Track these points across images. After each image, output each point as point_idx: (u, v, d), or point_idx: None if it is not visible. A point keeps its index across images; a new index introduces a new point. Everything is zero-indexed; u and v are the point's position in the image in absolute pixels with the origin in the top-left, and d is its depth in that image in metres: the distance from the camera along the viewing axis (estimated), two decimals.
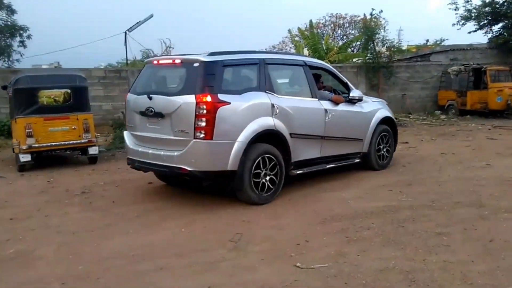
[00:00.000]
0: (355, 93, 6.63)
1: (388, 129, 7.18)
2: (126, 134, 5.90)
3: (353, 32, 27.74)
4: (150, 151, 5.34)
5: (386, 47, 15.76)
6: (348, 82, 6.80)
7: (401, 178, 6.54)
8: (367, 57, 15.81)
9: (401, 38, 34.29)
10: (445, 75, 16.38)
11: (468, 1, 18.12)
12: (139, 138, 5.60)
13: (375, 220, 4.61)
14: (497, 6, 17.74)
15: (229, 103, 4.96)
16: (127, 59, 17.16)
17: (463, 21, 18.36)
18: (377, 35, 15.57)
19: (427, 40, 30.25)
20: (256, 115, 5.22)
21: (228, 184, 5.32)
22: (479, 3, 17.98)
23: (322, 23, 25.88)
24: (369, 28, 15.51)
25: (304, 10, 45.46)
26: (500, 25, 18.21)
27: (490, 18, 18.11)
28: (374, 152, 6.91)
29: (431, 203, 5.19)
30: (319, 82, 6.69)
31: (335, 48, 18.77)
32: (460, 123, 13.87)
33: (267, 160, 5.30)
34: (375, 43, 15.60)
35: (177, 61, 5.42)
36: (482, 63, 16.43)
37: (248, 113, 5.15)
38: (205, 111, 4.80)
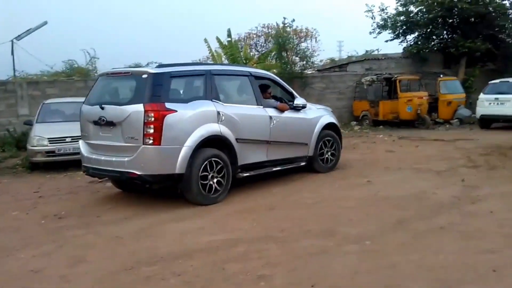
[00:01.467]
0: (299, 101, 7.08)
1: (332, 134, 7.65)
2: (81, 142, 6.21)
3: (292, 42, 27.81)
4: (102, 158, 5.73)
5: (299, 57, 15.37)
6: (293, 91, 7.30)
7: (269, 200, 5.87)
8: (281, 67, 15.33)
9: (342, 49, 34.77)
10: (359, 85, 16.24)
11: (383, 10, 18.25)
12: (93, 146, 5.95)
13: (197, 262, 3.85)
14: (410, 15, 17.96)
15: (176, 111, 5.36)
16: (14, 70, 15.57)
17: (378, 30, 18.43)
18: (290, 45, 15.14)
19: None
20: (203, 121, 5.63)
21: (177, 186, 5.63)
22: (394, 12, 18.14)
23: (254, 34, 25.51)
24: (281, 37, 15.06)
25: (238, 21, 45.25)
26: (414, 34, 18.44)
27: (404, 27, 18.30)
28: (317, 155, 7.34)
29: (280, 232, 4.53)
30: (266, 91, 7.07)
31: (254, 58, 18.25)
32: (370, 134, 13.64)
33: (214, 163, 5.68)
34: (288, 53, 15.16)
35: (128, 73, 5.99)
36: (396, 73, 16.51)
37: (194, 120, 5.56)
38: (153, 119, 5.20)
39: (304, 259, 3.82)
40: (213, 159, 5.67)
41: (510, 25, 17.36)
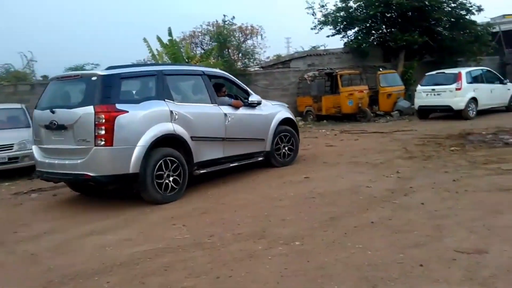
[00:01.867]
0: (253, 97, 7.21)
1: (289, 129, 7.77)
2: (34, 148, 6.16)
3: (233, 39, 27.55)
4: (56, 162, 5.71)
5: (242, 54, 15.19)
6: (248, 89, 7.45)
7: (202, 203, 5.63)
8: (222, 66, 15.08)
9: (290, 46, 34.82)
10: (302, 81, 16.32)
11: (323, 6, 18.44)
12: (46, 150, 5.91)
13: (115, 277, 3.56)
14: (350, 10, 18.25)
15: (127, 112, 5.38)
16: None
17: (320, 26, 18.60)
18: (231, 42, 14.93)
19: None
20: (155, 121, 5.66)
21: (132, 186, 5.63)
22: (334, 8, 18.38)
23: (200, 32, 25.08)
24: (221, 35, 14.81)
25: (183, 20, 44.19)
26: (355, 29, 18.77)
27: (345, 23, 18.57)
28: (274, 151, 7.48)
29: (209, 238, 4.31)
30: (221, 90, 7.19)
31: (197, 57, 17.84)
32: (314, 129, 13.71)
33: (169, 162, 5.70)
34: (229, 51, 14.95)
35: (78, 76, 6.03)
36: (337, 68, 16.73)
37: (147, 120, 5.58)
38: (103, 120, 5.21)
39: (230, 265, 3.62)
40: (168, 158, 5.71)
41: (445, 18, 18.05)
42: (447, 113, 13.61)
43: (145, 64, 6.21)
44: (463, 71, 13.23)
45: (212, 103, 6.58)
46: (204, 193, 6.16)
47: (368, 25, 18.36)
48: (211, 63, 16.87)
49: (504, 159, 7.10)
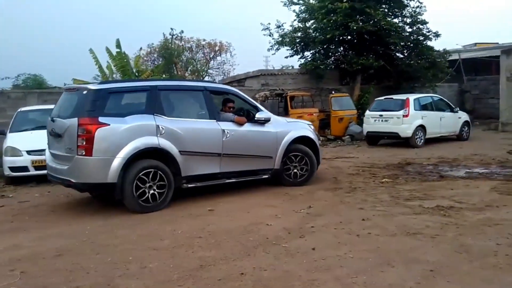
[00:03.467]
0: (261, 114, 7.08)
1: (302, 148, 7.51)
2: (46, 151, 6.62)
3: (202, 55, 27.02)
4: (55, 166, 6.20)
5: (190, 70, 14.58)
6: (258, 105, 7.43)
7: (62, 242, 4.86)
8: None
9: (268, 63, 34.17)
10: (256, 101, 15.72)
11: (279, 27, 18.07)
12: (52, 155, 6.39)
13: None
14: (308, 31, 17.91)
15: (108, 125, 5.67)
16: None
17: (277, 46, 18.17)
18: (179, 57, 14.32)
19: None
20: (138, 134, 5.86)
21: (113, 194, 5.83)
22: (290, 28, 18.03)
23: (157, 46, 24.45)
24: (168, 50, 14.18)
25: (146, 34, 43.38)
26: (312, 50, 18.41)
27: (302, 44, 18.22)
28: (283, 170, 7.34)
29: None
30: (227, 105, 7.25)
31: (148, 71, 17.14)
32: None
33: (151, 174, 5.88)
34: (177, 66, 14.32)
35: (75, 89, 6.42)
36: (292, 88, 16.29)
37: (129, 133, 5.80)
38: (85, 132, 5.58)
39: None
40: (150, 169, 5.89)
41: (402, 43, 17.90)
42: (396, 140, 13.22)
43: (139, 80, 6.88)
44: (411, 97, 12.89)
45: (210, 119, 6.60)
46: (81, 229, 5.39)
47: (325, 46, 18.04)
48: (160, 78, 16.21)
49: (429, 195, 6.61)
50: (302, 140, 7.58)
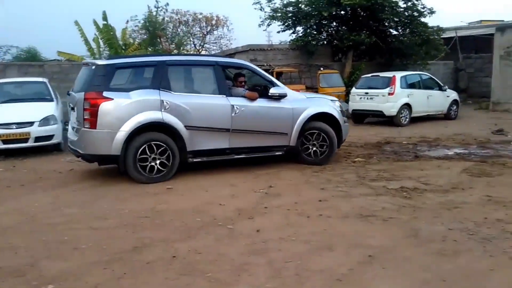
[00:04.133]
0: (276, 89, 6.88)
1: (322, 126, 7.22)
2: (70, 125, 6.76)
3: (199, 29, 26.50)
4: (71, 137, 6.50)
5: (175, 43, 14.23)
6: (274, 80, 7.21)
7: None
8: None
9: (271, 39, 33.55)
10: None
11: (270, 1, 17.57)
12: (71, 127, 6.61)
13: None
14: (299, 6, 17.41)
15: (112, 99, 5.87)
16: None
17: (268, 21, 17.71)
18: (163, 31, 13.95)
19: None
20: (142, 109, 6.01)
21: (118, 165, 6.09)
22: (281, 3, 17.52)
23: (163, 20, 24.01)
24: (152, 22, 13.79)
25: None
26: (304, 26, 17.94)
27: (294, 19, 17.75)
28: (300, 147, 7.15)
29: None
30: (238, 80, 7.15)
31: (135, 44, 16.79)
32: None
33: (154, 146, 6.07)
34: (161, 40, 13.97)
35: (87, 64, 6.70)
36: (282, 64, 15.98)
37: (132, 107, 5.96)
38: (89, 106, 5.82)
39: None
40: (153, 142, 6.05)
41: (395, 19, 17.41)
42: (381, 118, 12.96)
43: (147, 55, 7.23)
44: (398, 75, 12.58)
45: (220, 94, 6.56)
46: (31, 205, 5.26)
47: (317, 22, 17.58)
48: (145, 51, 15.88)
49: (397, 176, 6.43)
50: (323, 117, 7.28)
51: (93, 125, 5.84)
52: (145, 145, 6.01)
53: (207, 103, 6.49)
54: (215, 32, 27.70)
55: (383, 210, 4.86)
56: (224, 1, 46.06)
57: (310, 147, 7.23)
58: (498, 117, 13.88)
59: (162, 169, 6.14)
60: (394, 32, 18.21)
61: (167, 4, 13.68)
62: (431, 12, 17.38)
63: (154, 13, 13.91)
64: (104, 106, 5.82)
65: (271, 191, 5.67)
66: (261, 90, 7.19)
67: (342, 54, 18.30)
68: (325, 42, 18.21)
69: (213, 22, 27.07)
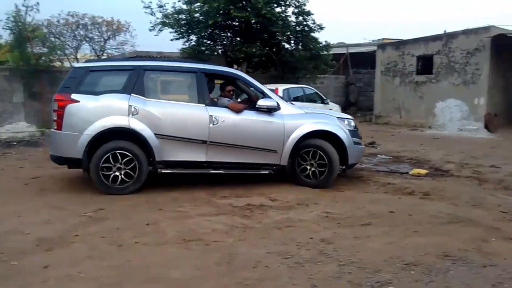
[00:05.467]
0: (265, 101, 6.29)
1: (321, 144, 6.41)
2: None
3: (98, 33, 24.90)
4: None
5: (47, 46, 12.98)
6: (266, 90, 6.54)
7: None
8: (20, 59, 12.63)
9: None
10: None
11: (161, 7, 16.94)
12: None
13: None
14: (192, 14, 16.96)
15: (78, 101, 5.81)
16: None
17: (159, 27, 17.02)
18: (31, 33, 12.65)
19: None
20: (107, 113, 5.83)
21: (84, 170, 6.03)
22: (173, 9, 16.98)
23: (57, 22, 22.09)
24: (19, 22, 12.42)
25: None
26: (197, 34, 17.52)
27: (187, 27, 17.27)
28: (295, 167, 6.49)
29: None
30: (225, 89, 6.73)
31: (7, 47, 15.14)
32: None
33: (119, 156, 5.80)
34: (31, 42, 12.66)
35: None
36: None
37: (98, 111, 5.82)
38: (57, 107, 5.84)
39: None
40: (118, 151, 5.79)
41: (287, 33, 17.65)
42: None
43: (128, 59, 6.34)
44: (281, 87, 12.61)
45: (199, 103, 6.10)
46: None
47: (210, 32, 17.29)
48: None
49: (249, 192, 6.10)
50: (324, 135, 6.48)
51: (59, 126, 5.79)
52: (109, 154, 5.75)
53: (183, 112, 6.11)
54: (117, 37, 26.40)
55: (212, 232, 4.45)
56: (127, 6, 44.22)
57: (308, 168, 6.47)
58: (378, 129, 14.55)
59: (127, 180, 5.84)
60: (287, 46, 18.53)
61: (38, 3, 12.33)
62: (320, 28, 17.90)
63: (23, 14, 12.52)
64: (70, 108, 5.75)
65: (98, 215, 5.01)
66: (252, 101, 6.56)
67: (237, 65, 18.16)
68: (220, 52, 17.96)
69: (114, 27, 25.79)
